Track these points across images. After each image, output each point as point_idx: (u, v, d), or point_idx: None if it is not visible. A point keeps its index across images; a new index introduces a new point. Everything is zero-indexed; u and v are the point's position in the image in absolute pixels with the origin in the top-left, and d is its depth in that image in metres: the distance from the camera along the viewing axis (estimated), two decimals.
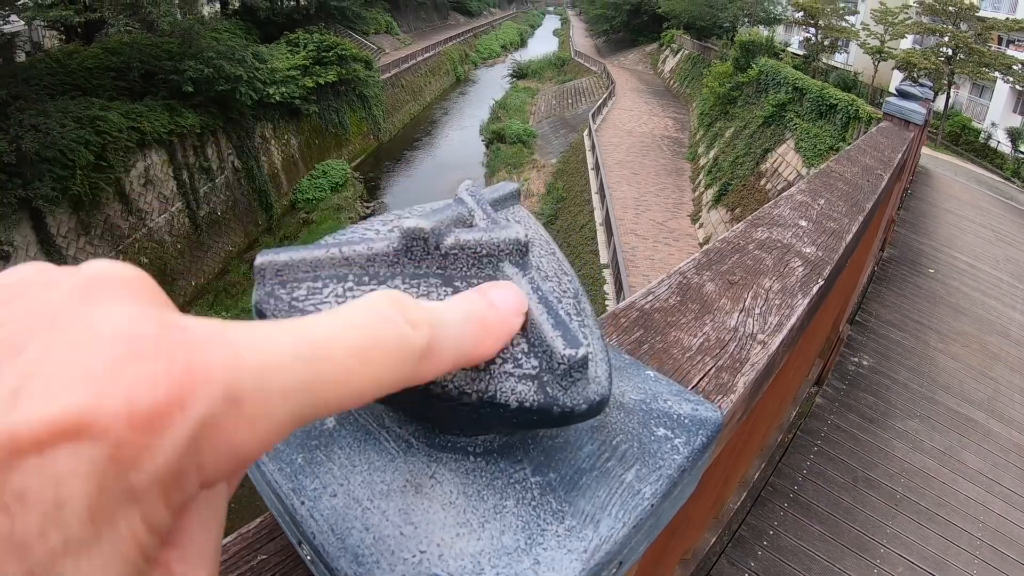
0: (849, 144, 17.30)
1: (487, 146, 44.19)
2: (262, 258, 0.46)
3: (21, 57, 26.54)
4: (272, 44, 35.21)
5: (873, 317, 5.70)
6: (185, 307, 22.22)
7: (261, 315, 0.45)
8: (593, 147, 31.08)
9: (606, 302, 17.55)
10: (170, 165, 23.33)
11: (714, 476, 1.82)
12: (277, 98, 29.31)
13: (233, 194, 27.31)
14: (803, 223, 1.69)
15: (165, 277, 22.36)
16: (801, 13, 41.28)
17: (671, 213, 25.14)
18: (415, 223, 0.47)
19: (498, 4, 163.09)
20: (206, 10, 38.78)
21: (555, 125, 46.81)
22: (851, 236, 1.70)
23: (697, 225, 24.19)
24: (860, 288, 5.70)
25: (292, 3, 39.85)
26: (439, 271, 0.47)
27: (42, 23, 24.75)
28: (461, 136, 50.54)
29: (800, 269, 1.37)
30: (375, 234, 0.54)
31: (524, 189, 33.71)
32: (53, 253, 17.88)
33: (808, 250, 1.49)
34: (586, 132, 34.97)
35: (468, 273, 0.47)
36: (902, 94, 6.72)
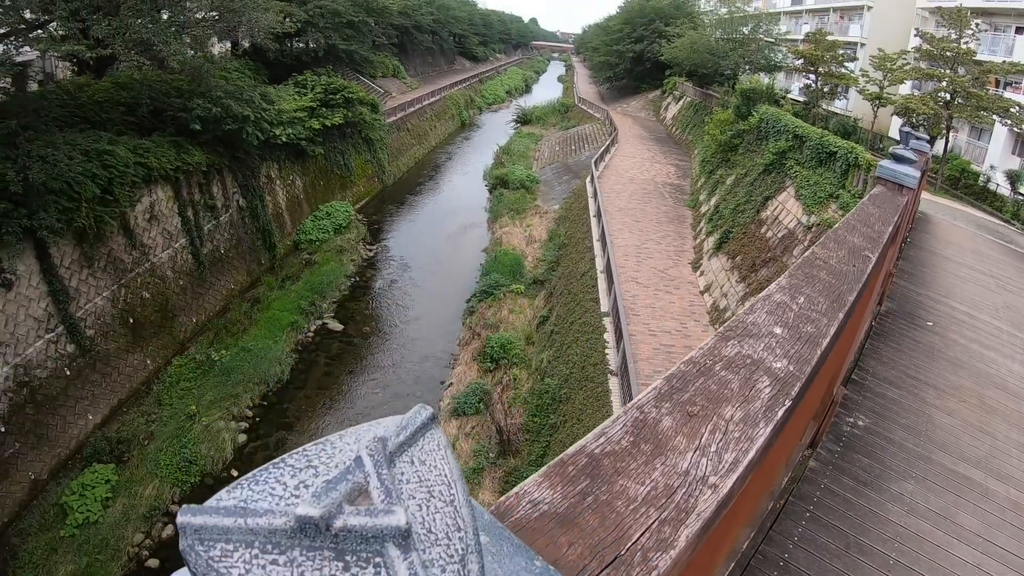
0: (848, 191, 17.51)
1: (490, 191, 44.68)
2: (182, 518, 0.54)
3: (33, 86, 27.11)
4: (280, 85, 36.03)
5: (870, 375, 5.64)
6: (185, 344, 22.60)
7: (186, 562, 0.53)
8: (595, 194, 31.44)
9: (606, 351, 17.36)
10: (175, 201, 23.55)
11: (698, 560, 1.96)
12: (283, 139, 29.72)
13: (237, 232, 27.66)
14: (778, 330, 1.67)
15: (166, 313, 22.49)
16: (801, 60, 42.10)
17: (672, 260, 25.26)
18: (306, 511, 0.54)
19: (504, 50, 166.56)
20: (216, 49, 39.86)
21: (558, 171, 47.41)
22: (828, 340, 1.68)
23: (698, 273, 24.17)
24: (857, 345, 5.65)
25: (301, 46, 40.82)
26: (332, 546, 0.54)
27: (55, 54, 25.34)
28: (464, 181, 51.22)
29: (767, 390, 1.35)
30: (280, 495, 0.59)
31: (527, 235, 34.15)
32: (55, 284, 17.92)
33: (779, 365, 1.47)
34: (588, 179, 35.36)
35: (357, 548, 0.54)
36: (896, 158, 6.92)
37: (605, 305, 19.76)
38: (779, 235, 21.29)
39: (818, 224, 19.07)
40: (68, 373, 18.33)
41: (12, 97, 18.14)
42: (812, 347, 1.59)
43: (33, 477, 16.37)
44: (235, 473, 17.96)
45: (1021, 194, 30.00)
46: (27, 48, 20.02)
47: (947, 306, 8.58)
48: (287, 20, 30.75)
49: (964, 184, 32.28)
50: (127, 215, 20.92)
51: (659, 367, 16.27)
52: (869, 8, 49.77)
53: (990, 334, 8.08)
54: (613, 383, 15.70)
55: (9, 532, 15.14)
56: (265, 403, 20.90)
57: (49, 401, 17.52)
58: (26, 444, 16.52)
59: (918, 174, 5.72)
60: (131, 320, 20.93)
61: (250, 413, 20.30)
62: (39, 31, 19.74)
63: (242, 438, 19.29)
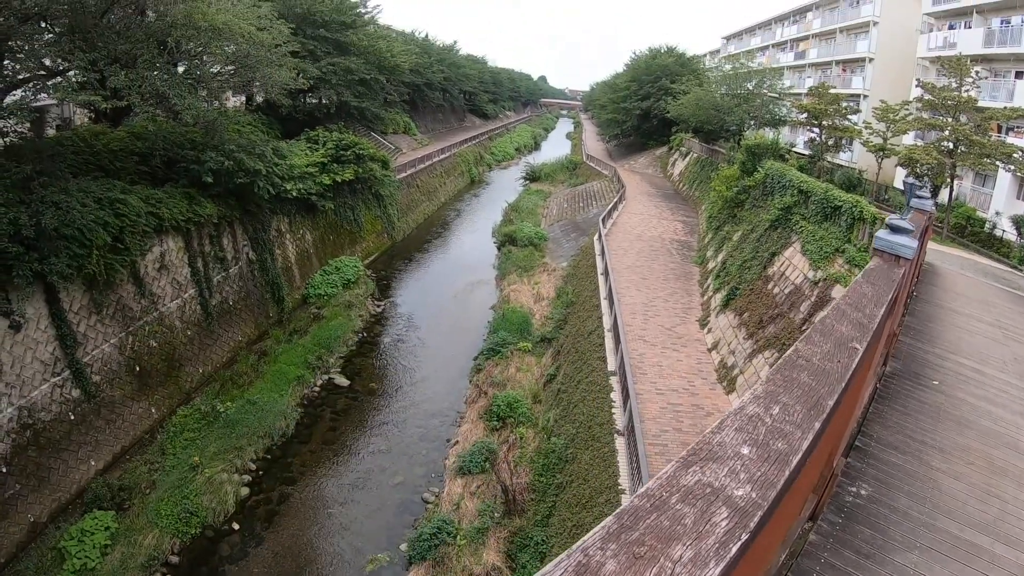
0: (854, 245, 17.72)
1: (499, 248, 45.18)
2: None
3: (51, 132, 27.80)
4: (293, 140, 36.96)
5: (874, 441, 5.54)
6: (191, 394, 22.75)
7: None
8: (603, 252, 31.83)
9: (612, 410, 17.35)
10: (186, 252, 23.97)
11: None
12: (294, 193, 30.30)
13: (246, 285, 28.05)
14: (745, 450, 1.61)
15: (173, 362, 22.72)
16: (805, 114, 42.95)
17: (680, 318, 25.35)
18: None
19: (513, 107, 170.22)
20: (231, 103, 40.98)
21: (566, 228, 48.02)
22: (800, 456, 1.65)
23: (706, 330, 24.18)
24: (861, 409, 5.57)
25: (314, 102, 41.95)
26: None
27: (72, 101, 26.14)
28: (473, 237, 51.91)
29: (724, 523, 1.32)
30: None
31: (535, 293, 34.46)
32: (63, 328, 18.19)
33: (740, 492, 1.43)
34: (596, 236, 35.89)
35: None
36: (893, 228, 7.05)
37: (612, 364, 19.76)
38: (786, 291, 21.38)
39: (824, 279, 19.23)
40: (72, 418, 18.51)
41: (28, 142, 18.60)
42: (780, 467, 1.52)
43: (32, 519, 16.43)
44: (236, 526, 17.92)
45: None
46: (45, 94, 20.67)
47: (954, 362, 8.43)
48: (299, 77, 31.67)
49: (970, 232, 32.29)
50: (137, 264, 21.33)
51: (666, 426, 16.34)
52: (871, 60, 50.97)
53: (998, 390, 7.93)
54: (620, 443, 15.66)
55: (6, 573, 15.10)
56: (269, 457, 20.87)
57: (52, 444, 17.67)
58: (27, 486, 16.61)
59: (915, 244, 5.73)
60: (138, 368, 21.17)
61: (253, 466, 20.26)
62: (58, 78, 20.33)
63: (245, 491, 19.21)
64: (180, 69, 23.36)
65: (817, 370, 2.29)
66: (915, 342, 8.82)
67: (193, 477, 18.52)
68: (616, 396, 17.89)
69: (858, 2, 54.93)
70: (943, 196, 32.59)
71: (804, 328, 17.78)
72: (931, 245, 23.05)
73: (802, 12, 67.05)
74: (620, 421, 16.40)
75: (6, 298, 16.63)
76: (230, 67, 26.09)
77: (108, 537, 16.27)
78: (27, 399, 17.24)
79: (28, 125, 27.94)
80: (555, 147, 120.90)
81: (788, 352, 2.52)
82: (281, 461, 20.83)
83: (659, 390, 18.59)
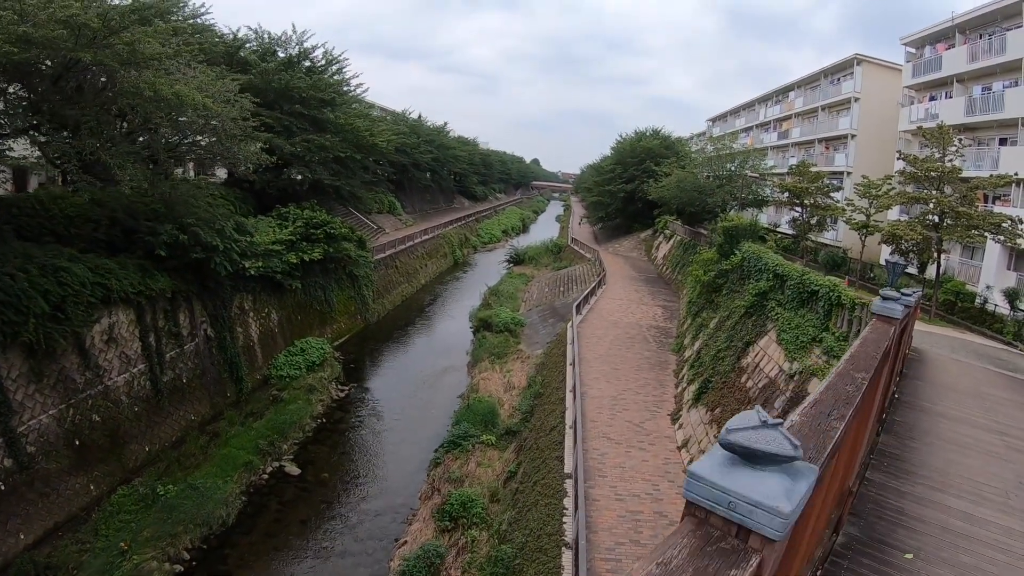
0: (832, 333, 17.59)
1: (474, 333, 45.38)
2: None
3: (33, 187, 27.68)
4: (264, 216, 37.57)
5: None
6: (136, 472, 22.36)
7: None
8: (574, 340, 32.02)
9: (564, 519, 16.70)
10: (137, 325, 24.02)
11: None
12: (252, 272, 30.53)
13: (202, 362, 27.97)
14: None
15: (117, 438, 22.47)
16: (787, 194, 43.95)
17: (650, 412, 24.99)
18: None
19: (504, 189, 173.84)
20: (221, 174, 41.62)
21: (544, 314, 48.32)
22: None
23: (677, 426, 23.67)
24: None
25: (294, 178, 42.67)
26: None
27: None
28: (450, 321, 52.18)
29: None
30: None
31: (506, 381, 34.40)
32: None
33: None
34: (570, 323, 36.18)
35: None
36: (883, 297, 7.73)
37: (569, 465, 19.39)
38: (760, 384, 20.97)
39: (800, 372, 18.77)
40: (2, 488, 18.23)
41: None
42: None
43: None
44: None
45: (1022, 310, 29.19)
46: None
47: (937, 508, 6.78)
48: (270, 153, 32.17)
49: (960, 307, 31.73)
50: (83, 335, 21.36)
51: (622, 538, 15.81)
52: (853, 136, 52.82)
53: (1000, 547, 6.07)
54: (567, 558, 15.10)
55: None
56: (205, 547, 20.38)
57: None
58: None
59: (903, 308, 5.88)
60: (77, 442, 20.96)
61: (187, 556, 19.75)
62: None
63: None
64: (140, 139, 23.75)
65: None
66: (889, 478, 7.22)
67: (120, 563, 18.07)
68: (569, 502, 17.40)
69: (839, 79, 57.57)
70: (930, 272, 32.62)
71: None
72: (919, 326, 22.54)
73: (784, 92, 70.19)
74: (570, 532, 15.95)
75: None
76: (187, 139, 26.69)
77: None
78: None
79: (6, 179, 28.52)
80: (544, 229, 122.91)
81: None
82: (217, 552, 20.36)
83: (619, 495, 18.12)
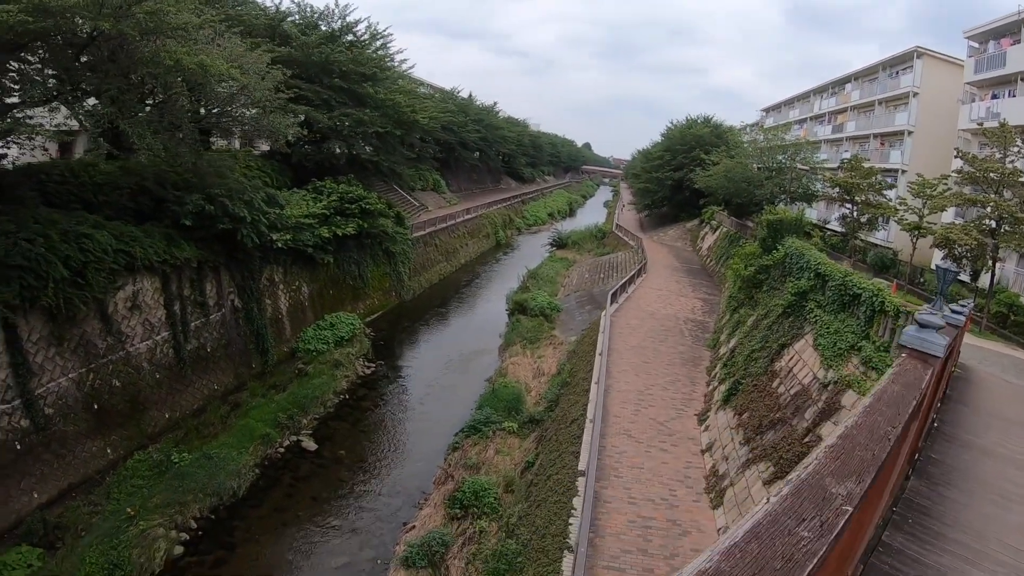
0: (872, 343, 16.44)
1: (509, 316, 44.85)
2: None
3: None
4: (300, 189, 37.51)
5: None
6: (155, 438, 22.44)
7: None
8: (605, 329, 31.20)
9: (570, 519, 15.84)
10: (162, 293, 24.09)
11: None
12: (280, 244, 30.37)
13: (228, 333, 28.01)
14: None
15: (137, 404, 22.64)
16: (837, 189, 42.13)
17: (677, 411, 23.89)
18: None
19: (553, 172, 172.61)
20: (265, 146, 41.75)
21: (582, 300, 47.56)
22: None
23: (703, 427, 22.56)
24: None
25: (333, 151, 42.48)
26: None
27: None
28: (487, 303, 51.91)
29: None
30: None
31: (536, 367, 33.79)
32: (17, 357, 18.33)
33: None
34: (604, 312, 35.36)
35: None
36: (921, 323, 6.42)
37: (584, 462, 18.57)
38: (792, 391, 19.67)
39: (835, 382, 17.46)
40: (19, 447, 18.45)
41: None
42: None
43: None
44: None
45: None
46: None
47: None
48: (304, 126, 31.86)
49: (1013, 321, 29.83)
50: (105, 301, 21.44)
51: (630, 546, 15.03)
52: (910, 133, 50.54)
53: None
54: (568, 562, 14.31)
55: None
56: (213, 517, 20.37)
57: None
58: None
59: (944, 341, 5.07)
60: (96, 405, 21.11)
61: (195, 525, 19.76)
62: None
63: (179, 550, 18.68)
64: (160, 108, 23.54)
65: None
66: (910, 542, 5.80)
67: (127, 527, 18.12)
68: (579, 502, 16.56)
69: (898, 73, 55.28)
70: (984, 281, 30.90)
71: (807, 440, 16.67)
72: (968, 339, 20.71)
73: (841, 84, 67.75)
74: (575, 534, 15.21)
75: None
76: (226, 110, 26.55)
77: (28, 575, 16.02)
78: None
79: (55, 147, 28.87)
80: (591, 214, 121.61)
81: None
82: (226, 523, 20.32)
83: (632, 498, 17.27)
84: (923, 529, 6.04)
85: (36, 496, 18.46)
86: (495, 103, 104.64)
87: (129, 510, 18.69)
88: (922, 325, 6.38)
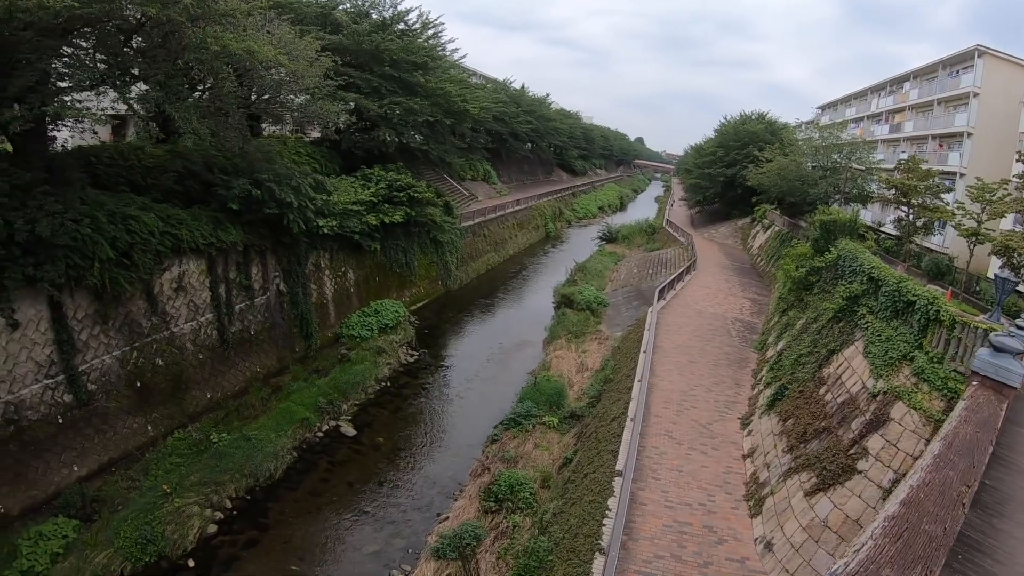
0: (926, 353, 15.44)
1: (556, 309, 44.25)
2: None
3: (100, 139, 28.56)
4: (350, 175, 37.48)
5: None
6: (195, 417, 22.59)
7: None
8: (651, 326, 30.41)
9: (604, 520, 15.25)
10: (207, 276, 24.26)
11: None
12: (326, 230, 30.27)
13: (272, 316, 28.12)
14: None
15: (179, 383, 22.88)
16: (893, 191, 40.39)
17: (720, 413, 23.01)
18: None
19: (605, 165, 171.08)
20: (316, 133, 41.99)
21: (629, 295, 46.71)
22: None
23: (746, 431, 21.66)
24: None
25: (383, 139, 42.45)
26: None
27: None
28: (533, 295, 51.40)
29: None
30: None
31: (579, 362, 33.18)
32: (62, 334, 18.63)
33: None
34: (651, 308, 34.54)
35: None
36: (997, 347, 5.31)
37: (622, 461, 17.88)
38: (839, 399, 18.58)
39: (885, 392, 16.39)
40: (60, 421, 18.75)
41: (37, 152, 19.06)
42: None
43: (2, 511, 16.63)
44: (192, 563, 17.43)
45: None
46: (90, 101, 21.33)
47: None
48: (352, 113, 31.70)
49: None
50: (151, 281, 21.66)
51: (663, 551, 14.42)
52: (969, 135, 48.09)
53: None
54: (598, 565, 13.73)
55: None
56: (249, 497, 20.42)
57: (35, 443, 17.95)
58: (2, 478, 16.89)
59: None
60: (139, 383, 21.38)
61: (230, 505, 19.84)
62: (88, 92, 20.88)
63: (213, 528, 18.76)
64: (208, 93, 23.54)
65: None
66: None
67: (163, 504, 18.24)
68: (614, 503, 15.91)
69: (958, 72, 52.73)
70: None
71: (852, 451, 15.76)
72: None
73: (899, 82, 65.22)
74: (608, 537, 14.56)
75: (8, 297, 17.10)
76: (277, 96, 26.57)
77: (63, 545, 16.28)
78: (15, 396, 17.66)
79: (107, 131, 29.26)
80: (642, 209, 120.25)
81: None
82: (260, 504, 20.33)
83: (669, 502, 16.59)
84: (974, 567, 5.15)
85: (75, 469, 18.73)
86: (547, 94, 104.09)
87: (165, 487, 18.81)
88: (998, 349, 5.46)
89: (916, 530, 2.38)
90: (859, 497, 14.16)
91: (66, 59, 19.16)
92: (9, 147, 19.58)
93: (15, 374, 17.61)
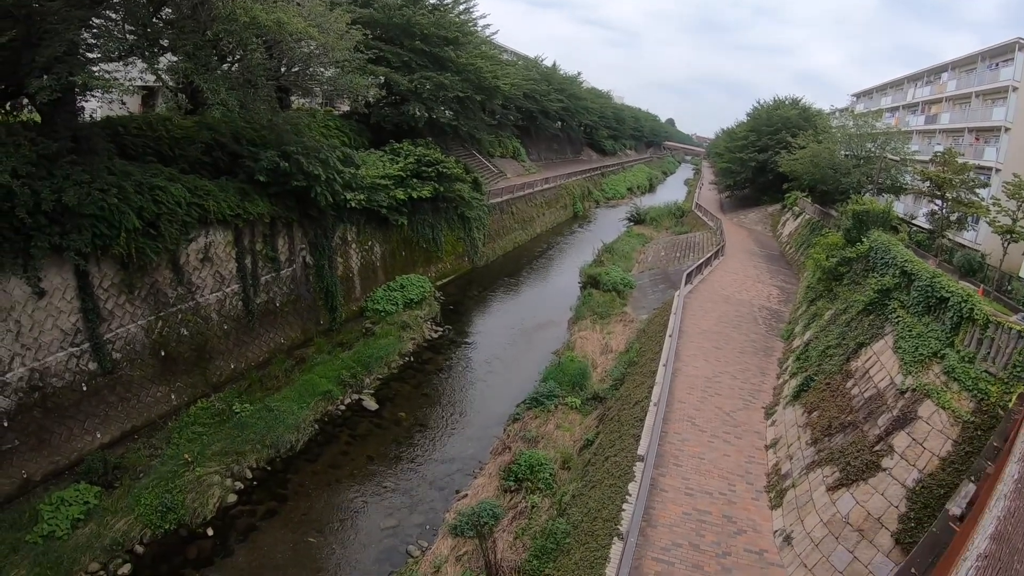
0: (958, 352, 14.86)
1: (582, 289, 43.76)
2: None
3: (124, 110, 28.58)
4: (379, 149, 37.13)
5: None
6: (219, 387, 22.54)
7: None
8: (677, 310, 29.82)
9: (623, 505, 14.91)
10: (234, 247, 24.12)
11: None
12: (353, 204, 29.99)
13: (298, 288, 27.98)
14: None
15: (203, 353, 22.87)
16: (927, 183, 39.26)
17: (744, 402, 22.56)
18: None
19: (635, 146, 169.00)
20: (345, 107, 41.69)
21: (656, 278, 46.05)
22: None
23: (770, 421, 21.23)
24: None
25: (413, 114, 42.02)
26: None
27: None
28: (559, 275, 50.85)
29: None
30: None
31: (604, 343, 32.72)
32: (88, 302, 18.61)
33: None
34: (677, 292, 33.92)
35: None
36: None
37: (643, 447, 17.39)
38: (866, 394, 18.06)
39: (913, 390, 15.87)
40: (85, 388, 18.80)
41: (65, 122, 18.91)
42: None
43: (25, 476, 16.76)
44: (211, 532, 17.43)
45: None
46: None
47: None
48: (389, 90, 31.36)
49: None
50: (177, 252, 21.56)
51: (681, 539, 14.12)
52: (1007, 130, 46.34)
53: None
54: (616, 550, 13.37)
55: None
56: (269, 468, 20.38)
57: (59, 410, 18.02)
58: (26, 444, 16.99)
59: None
60: (163, 352, 21.38)
61: (250, 475, 19.81)
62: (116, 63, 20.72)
63: (232, 498, 18.75)
64: (236, 65, 23.21)
65: None
66: None
67: (184, 472, 18.23)
68: (635, 488, 15.53)
69: (997, 64, 50.78)
70: None
71: (877, 448, 15.18)
72: None
73: (936, 72, 63.01)
74: (627, 522, 14.20)
75: (34, 266, 16.99)
76: (308, 69, 26.23)
77: (83, 511, 16.33)
78: (41, 363, 17.69)
79: (137, 101, 29.14)
80: (671, 191, 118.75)
81: None
82: (280, 475, 20.27)
83: (689, 489, 16.29)
84: None
85: (98, 436, 18.78)
86: (579, 73, 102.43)
87: (187, 456, 18.78)
88: None
89: (1008, 570, 1.96)
90: (882, 495, 13.71)
91: (95, 30, 18.97)
92: (37, 117, 19.51)
93: (40, 341, 17.63)
